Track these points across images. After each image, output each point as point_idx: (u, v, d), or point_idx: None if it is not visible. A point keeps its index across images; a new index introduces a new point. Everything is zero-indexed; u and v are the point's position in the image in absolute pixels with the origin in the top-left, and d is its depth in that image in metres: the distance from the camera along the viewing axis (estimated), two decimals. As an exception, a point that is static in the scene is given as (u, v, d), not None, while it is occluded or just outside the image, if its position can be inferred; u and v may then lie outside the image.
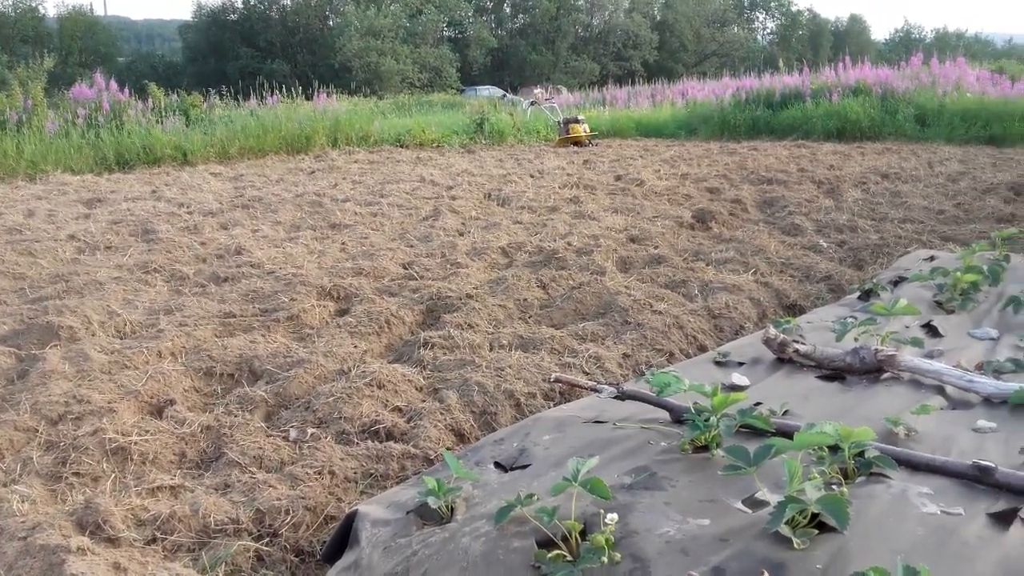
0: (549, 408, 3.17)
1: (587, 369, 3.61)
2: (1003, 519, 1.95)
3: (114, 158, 12.28)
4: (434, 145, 15.45)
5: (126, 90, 14.34)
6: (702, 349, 4.01)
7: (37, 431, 3.03)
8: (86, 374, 3.56)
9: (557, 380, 3.07)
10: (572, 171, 10.80)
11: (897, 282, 4.58)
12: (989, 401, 2.72)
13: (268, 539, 2.41)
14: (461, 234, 6.71)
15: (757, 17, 62.85)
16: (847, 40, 57.12)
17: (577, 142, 14.97)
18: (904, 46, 54.48)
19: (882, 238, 6.19)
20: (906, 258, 5.36)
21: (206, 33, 45.07)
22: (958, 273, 4.17)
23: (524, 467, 2.49)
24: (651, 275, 5.18)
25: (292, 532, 2.43)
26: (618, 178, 9.80)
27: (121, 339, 4.16)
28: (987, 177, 9.02)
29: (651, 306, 4.45)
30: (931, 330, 3.69)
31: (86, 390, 3.31)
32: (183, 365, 3.67)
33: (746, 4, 61.32)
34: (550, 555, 1.89)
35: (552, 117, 17.37)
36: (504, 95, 22.16)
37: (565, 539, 1.94)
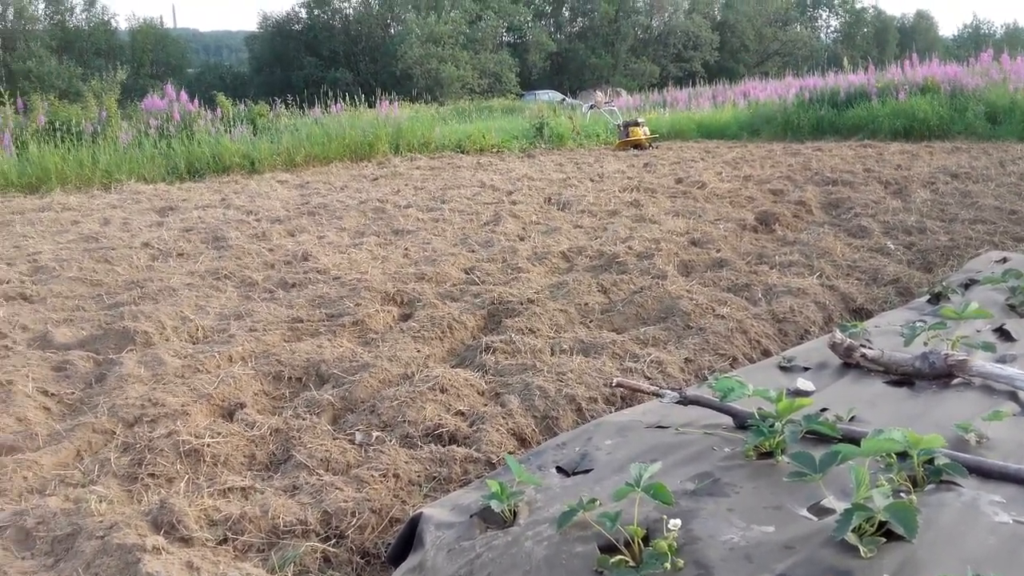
0: (611, 413, 3.17)
1: (648, 374, 3.60)
2: (1080, 529, 1.90)
3: (185, 167, 12.63)
4: (494, 150, 15.53)
5: (196, 101, 14.74)
6: (766, 354, 3.97)
7: (114, 433, 3.15)
8: (160, 378, 3.68)
9: (619, 385, 3.08)
10: (632, 174, 10.76)
11: (968, 285, 4.46)
12: (1065, 407, 2.64)
13: (335, 540, 2.46)
14: (522, 239, 6.74)
15: (820, 15, 61.73)
16: (914, 37, 55.76)
17: (637, 145, 14.89)
18: (973, 42, 52.91)
19: (952, 239, 6.03)
20: (977, 260, 5.21)
21: (271, 43, 46.11)
22: (1033, 275, 4.05)
23: (586, 472, 2.50)
24: (713, 279, 5.14)
25: (358, 534, 2.48)
26: (679, 181, 9.73)
27: (193, 344, 4.29)
28: (1064, 176, 8.71)
29: (713, 310, 4.42)
30: (1003, 334, 3.58)
31: (160, 393, 3.42)
32: (253, 369, 3.77)
33: (808, 2, 60.28)
34: (613, 560, 1.90)
35: (612, 120, 17.31)
36: (563, 99, 22.19)
37: (627, 544, 1.94)
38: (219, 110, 14.82)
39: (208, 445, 2.98)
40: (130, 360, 3.88)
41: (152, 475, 2.85)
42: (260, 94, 28.08)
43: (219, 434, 3.07)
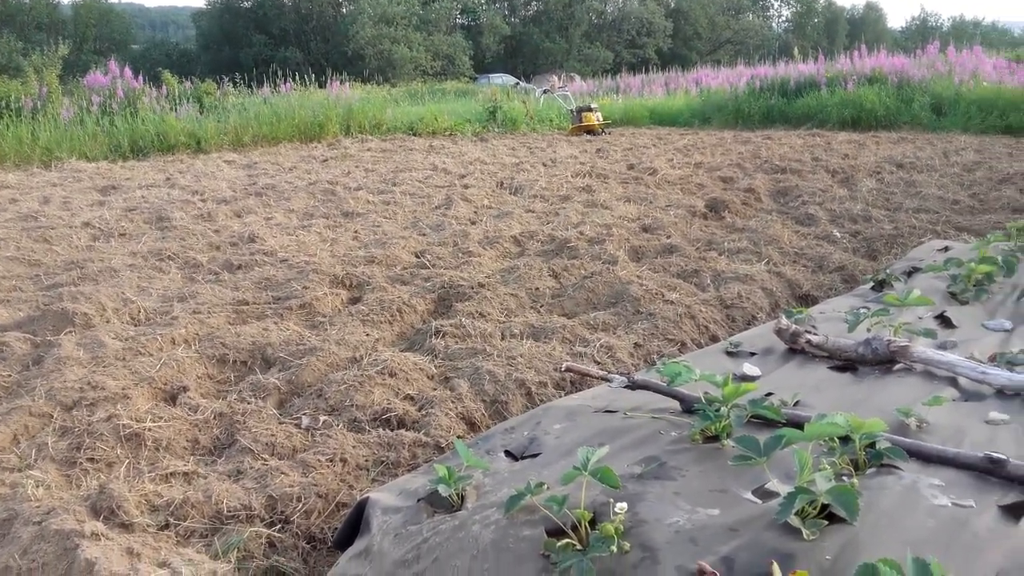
0: (560, 397, 3.17)
1: (598, 359, 3.61)
2: (1014, 511, 1.95)
3: (128, 145, 12.33)
4: (447, 133, 15.44)
5: (140, 78, 14.37)
6: (714, 339, 4.01)
7: (52, 417, 3.06)
8: (100, 360, 3.59)
9: (568, 369, 3.08)
10: (585, 160, 10.78)
11: (911, 272, 4.55)
12: (1002, 393, 2.70)
13: (280, 525, 2.43)
14: (473, 223, 6.71)
15: (772, 5, 62.44)
16: (863, 28, 56.74)
17: (590, 130, 14.92)
18: (920, 34, 54.04)
19: (896, 228, 6.16)
20: (920, 248, 5.33)
21: (220, 20, 45.14)
22: (972, 264, 4.14)
23: (534, 456, 2.50)
24: (663, 264, 5.17)
25: (304, 519, 2.45)
26: (631, 167, 9.77)
27: (135, 326, 4.19)
28: (1003, 167, 8.93)
29: (663, 296, 4.45)
30: (944, 321, 3.67)
31: (100, 376, 3.34)
32: (196, 352, 3.70)
33: (761, -9, 60.88)
34: (560, 544, 1.90)
35: (565, 105, 17.31)
36: (517, 83, 22.09)
37: (575, 528, 1.94)
38: (164, 88, 14.48)
39: (150, 429, 2.92)
40: (69, 342, 3.77)
41: (91, 460, 2.78)
42: (207, 72, 27.56)
43: (161, 418, 3.00)
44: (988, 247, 4.41)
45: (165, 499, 2.48)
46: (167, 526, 2.40)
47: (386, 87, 28.62)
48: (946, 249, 5.08)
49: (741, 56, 34.05)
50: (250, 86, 17.98)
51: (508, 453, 2.56)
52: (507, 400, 3.21)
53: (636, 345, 3.81)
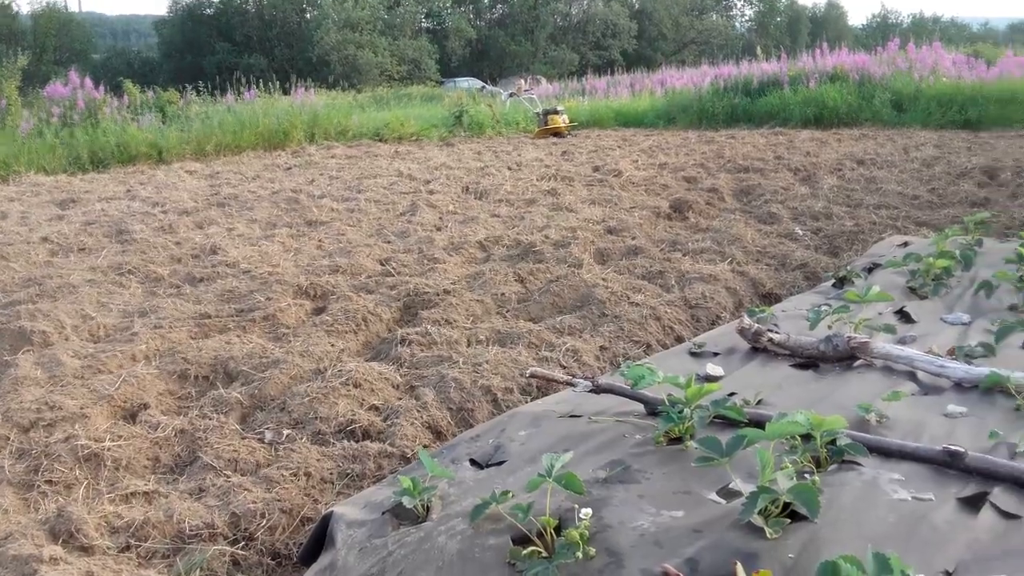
0: (526, 403, 3.16)
1: (565, 363, 3.61)
2: (972, 503, 1.97)
3: (88, 157, 12.13)
4: (413, 139, 15.39)
5: (101, 87, 14.15)
6: (679, 340, 4.02)
7: (8, 439, 3.00)
8: (58, 379, 3.52)
9: (533, 375, 3.08)
10: (551, 163, 10.79)
11: (871, 269, 4.61)
12: (960, 386, 2.74)
13: (244, 543, 2.40)
14: (439, 229, 6.69)
15: (735, 4, 62.88)
16: (825, 26, 57.34)
17: (556, 133, 14.94)
18: (881, 31, 54.72)
19: (857, 225, 6.23)
20: (880, 244, 5.39)
21: (182, 28, 44.61)
22: (931, 259, 4.20)
23: (500, 463, 2.49)
24: (628, 266, 5.19)
25: (268, 535, 2.42)
26: (596, 169, 9.80)
27: (95, 343, 4.12)
28: (962, 161, 9.08)
29: (628, 298, 4.46)
30: (904, 316, 3.71)
31: (58, 396, 3.28)
32: (157, 368, 3.64)
33: (724, -9, 61.37)
34: (525, 552, 1.90)
35: (531, 108, 17.33)
36: (483, 86, 22.12)
37: (540, 535, 1.94)
38: (126, 97, 14.28)
39: (109, 449, 2.87)
40: (26, 361, 3.70)
41: (49, 482, 2.73)
42: (170, 80, 27.23)
43: (121, 437, 2.95)
44: (946, 242, 4.47)
45: (125, 520, 2.44)
46: (128, 548, 2.37)
47: (351, 93, 28.48)
48: (906, 244, 5.15)
49: (705, 56, 34.31)
50: (213, 94, 17.78)
51: (473, 462, 2.55)
52: (473, 407, 3.20)
53: (602, 348, 3.82)
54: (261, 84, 17.36)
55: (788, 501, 1.86)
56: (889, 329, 3.25)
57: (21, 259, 5.90)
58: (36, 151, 11.76)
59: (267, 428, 3.06)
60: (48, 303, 4.62)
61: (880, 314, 3.70)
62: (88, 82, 13.96)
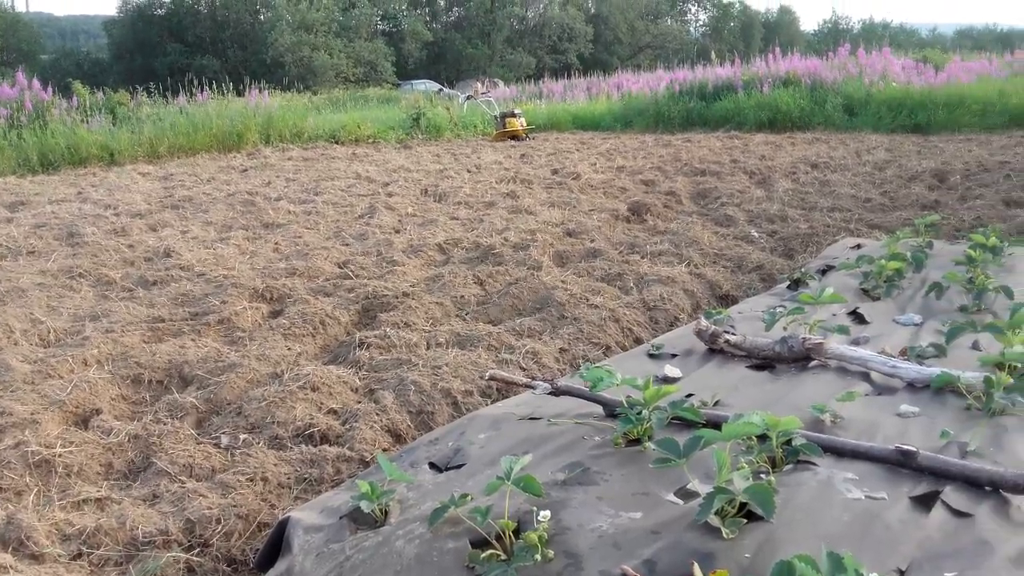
0: (486, 406, 3.16)
1: (524, 365, 3.62)
2: (925, 502, 2.01)
3: (38, 159, 11.88)
4: (370, 141, 15.30)
5: (49, 89, 13.87)
6: (638, 341, 4.05)
7: (-46, 446, 2.92)
8: (7, 385, 3.44)
9: (492, 378, 3.07)
10: (509, 165, 10.81)
11: (825, 271, 4.68)
12: (912, 386, 2.79)
13: (199, 549, 2.36)
14: (397, 231, 6.66)
15: (690, 9, 63.59)
16: (777, 31, 58.24)
17: (514, 136, 14.97)
18: (832, 37, 55.71)
19: (811, 227, 6.33)
20: (834, 247, 5.48)
21: (132, 28, 43.79)
22: (883, 261, 4.27)
23: (459, 467, 2.48)
24: (587, 269, 5.21)
25: (224, 541, 2.39)
26: (555, 172, 9.83)
27: (45, 347, 4.03)
28: (912, 165, 9.27)
29: (587, 300, 4.48)
30: (857, 317, 3.78)
31: (8, 401, 3.20)
32: (110, 373, 3.57)
33: (678, -4, 62.02)
34: (484, 555, 1.89)
35: (489, 111, 17.33)
36: (441, 89, 22.05)
37: (499, 538, 1.94)
38: (75, 98, 14.01)
39: (60, 455, 2.80)
40: (-28, 367, 3.60)
41: (-3, 489, 2.66)
42: (120, 82, 26.73)
43: (72, 443, 2.89)
44: (898, 244, 4.56)
45: (77, 527, 2.39)
46: (80, 555, 2.32)
47: (307, 95, 28.16)
48: (859, 247, 5.24)
49: (661, 60, 34.66)
50: (165, 96, 17.52)
51: (433, 465, 2.54)
52: (433, 410, 3.18)
53: (562, 350, 3.83)
54: (214, 86, 17.13)
55: (744, 501, 1.88)
56: (843, 330, 3.30)
57: (-34, 263, 5.74)
58: (-17, 153, 11.48)
59: (223, 433, 3.02)
60: (-5, 307, 4.51)
61: (834, 315, 3.76)
62: (36, 83, 13.69)
